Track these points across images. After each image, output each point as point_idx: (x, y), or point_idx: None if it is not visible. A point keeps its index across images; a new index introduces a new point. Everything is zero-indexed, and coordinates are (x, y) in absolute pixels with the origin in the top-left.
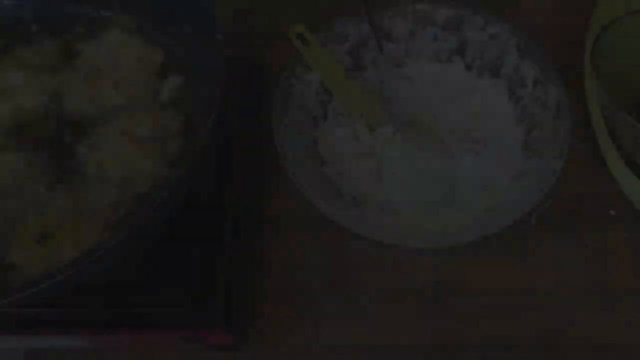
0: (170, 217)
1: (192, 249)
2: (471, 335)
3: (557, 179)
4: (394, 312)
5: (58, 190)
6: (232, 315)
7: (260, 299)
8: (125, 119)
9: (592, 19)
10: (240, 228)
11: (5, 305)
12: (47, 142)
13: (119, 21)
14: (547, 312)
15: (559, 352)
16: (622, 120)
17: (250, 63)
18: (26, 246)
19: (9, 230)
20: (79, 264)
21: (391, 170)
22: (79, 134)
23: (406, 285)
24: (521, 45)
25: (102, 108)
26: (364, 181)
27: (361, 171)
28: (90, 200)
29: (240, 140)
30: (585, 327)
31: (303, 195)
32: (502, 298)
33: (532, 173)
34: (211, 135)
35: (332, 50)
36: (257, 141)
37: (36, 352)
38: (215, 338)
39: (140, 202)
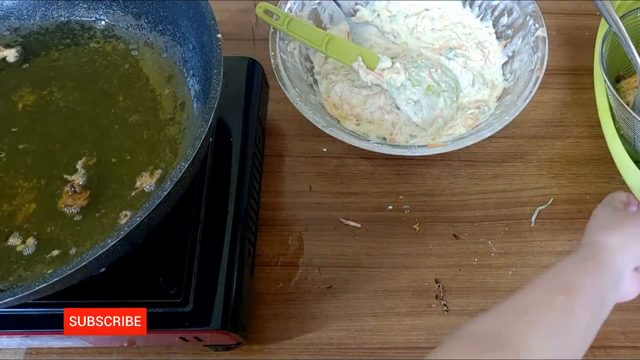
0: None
1: (192, 249)
2: None
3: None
4: (393, 312)
5: None
6: (232, 315)
7: (259, 299)
8: None
9: (600, 20)
10: (240, 228)
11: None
12: None
13: None
14: None
15: None
16: (631, 120)
17: (250, 63)
18: None
19: None
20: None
21: (403, 97)
22: None
23: (406, 285)
24: None
25: None
26: (383, 121)
27: (377, 113)
28: None
29: (240, 140)
30: None
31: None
32: (502, 298)
33: (511, 94)
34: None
35: (300, 17)
36: (256, 140)
37: (36, 352)
38: (214, 338)
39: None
